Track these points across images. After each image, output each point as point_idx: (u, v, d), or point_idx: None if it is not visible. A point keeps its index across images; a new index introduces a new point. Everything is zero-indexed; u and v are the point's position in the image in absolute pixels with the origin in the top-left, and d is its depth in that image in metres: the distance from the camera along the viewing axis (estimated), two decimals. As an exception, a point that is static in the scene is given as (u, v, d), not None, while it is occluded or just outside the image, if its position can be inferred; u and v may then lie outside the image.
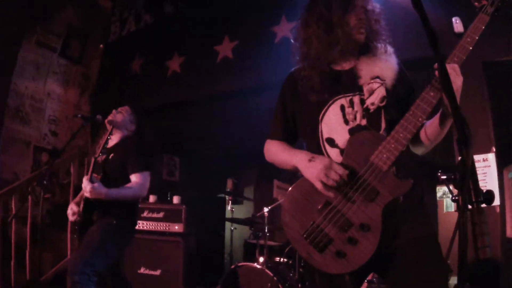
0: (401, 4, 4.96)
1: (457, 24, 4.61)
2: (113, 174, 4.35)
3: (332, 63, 2.48)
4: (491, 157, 4.47)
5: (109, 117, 4.53)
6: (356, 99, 2.37)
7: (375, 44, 2.43)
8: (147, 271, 6.17)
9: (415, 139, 2.35)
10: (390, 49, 2.47)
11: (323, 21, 2.42)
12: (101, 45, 8.78)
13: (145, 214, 6.42)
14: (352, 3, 2.38)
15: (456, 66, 2.08)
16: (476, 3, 2.19)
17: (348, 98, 2.38)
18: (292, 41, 2.65)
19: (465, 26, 4.51)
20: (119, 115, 4.61)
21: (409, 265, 2.16)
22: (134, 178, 4.28)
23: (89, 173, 4.08)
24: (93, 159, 4.15)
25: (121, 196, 4.20)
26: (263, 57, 6.26)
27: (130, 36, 8.46)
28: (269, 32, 6.39)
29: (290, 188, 2.42)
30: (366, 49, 2.45)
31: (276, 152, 2.64)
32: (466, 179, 1.45)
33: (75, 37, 8.38)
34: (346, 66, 2.47)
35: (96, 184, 4.04)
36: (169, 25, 7.72)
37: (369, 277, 4.52)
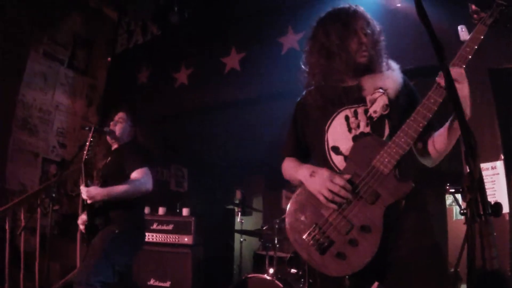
0: (405, 13, 5.00)
1: (463, 33, 4.60)
2: (111, 177, 4.35)
3: (337, 83, 2.55)
4: (499, 165, 4.46)
5: (108, 129, 4.59)
6: (360, 110, 2.45)
7: (378, 63, 2.50)
8: (157, 283, 6.17)
9: (423, 151, 2.41)
10: (394, 65, 2.56)
11: (324, 50, 2.54)
12: (109, 58, 8.82)
13: (154, 226, 6.43)
14: (352, 28, 2.48)
15: (461, 71, 2.11)
16: (475, 15, 2.24)
17: (352, 109, 2.47)
18: (301, 63, 2.74)
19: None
20: (118, 125, 4.63)
21: (411, 276, 2.19)
22: (134, 174, 4.25)
23: (82, 178, 4.12)
24: (82, 165, 4.21)
25: (117, 192, 4.13)
26: (271, 68, 6.30)
27: (137, 47, 8.50)
28: (276, 43, 6.42)
29: (296, 191, 2.50)
30: (370, 68, 2.51)
31: (286, 169, 2.76)
32: (473, 192, 1.45)
33: (81, 48, 8.42)
34: (350, 83, 2.55)
35: (91, 187, 4.08)
36: (176, 37, 7.75)
37: (375, 286, 4.50)
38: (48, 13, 7.68)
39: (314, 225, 2.29)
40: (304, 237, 2.31)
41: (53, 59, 7.89)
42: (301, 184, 2.49)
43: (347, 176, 2.26)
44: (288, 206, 2.49)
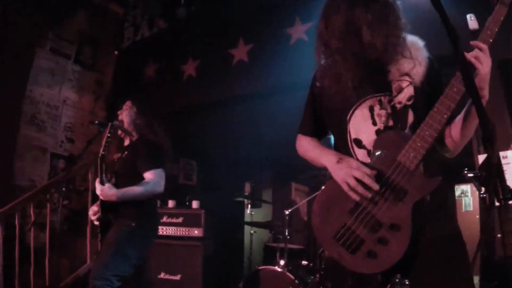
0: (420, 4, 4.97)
1: (472, 21, 4.57)
2: (124, 173, 4.36)
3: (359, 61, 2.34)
4: (510, 154, 4.44)
5: (117, 122, 4.55)
6: (385, 100, 2.32)
7: (394, 50, 2.29)
8: (167, 276, 6.17)
9: (440, 142, 2.32)
10: (419, 43, 2.39)
11: (329, 51, 2.41)
12: (116, 52, 8.82)
13: (164, 219, 6.42)
14: (353, 25, 2.27)
15: (480, 53, 2.04)
16: None
17: (377, 99, 2.34)
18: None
19: (480, 23, 4.52)
20: (125, 112, 4.64)
21: (433, 265, 2.16)
22: (148, 175, 4.23)
23: (99, 174, 4.10)
24: (99, 160, 4.16)
25: (133, 194, 4.13)
26: (279, 60, 6.27)
27: (144, 41, 8.48)
28: (284, 34, 6.40)
29: (319, 191, 2.44)
30: (386, 58, 2.32)
31: (307, 149, 2.64)
32: (492, 176, 1.43)
33: (87, 43, 8.44)
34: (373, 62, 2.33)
35: (106, 186, 4.06)
36: (183, 29, 7.69)
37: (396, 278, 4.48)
38: (53, 10, 7.68)
39: (342, 225, 2.22)
40: (333, 237, 2.24)
41: (60, 54, 7.90)
42: (324, 167, 2.42)
43: (374, 172, 2.17)
44: (313, 206, 2.41)
